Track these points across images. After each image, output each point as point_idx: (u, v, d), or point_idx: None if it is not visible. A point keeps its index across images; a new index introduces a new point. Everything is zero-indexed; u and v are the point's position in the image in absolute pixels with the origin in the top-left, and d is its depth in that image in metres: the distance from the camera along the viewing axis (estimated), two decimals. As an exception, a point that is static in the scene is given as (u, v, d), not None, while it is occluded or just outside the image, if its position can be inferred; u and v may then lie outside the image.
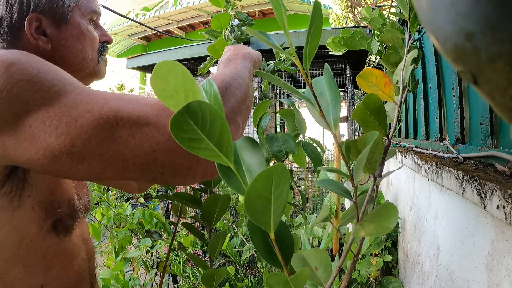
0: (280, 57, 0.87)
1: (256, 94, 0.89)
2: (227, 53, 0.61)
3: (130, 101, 0.38)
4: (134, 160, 0.36)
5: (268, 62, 0.86)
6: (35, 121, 0.36)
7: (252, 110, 0.71)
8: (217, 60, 0.76)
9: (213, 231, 0.63)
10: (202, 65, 0.84)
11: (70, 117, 0.36)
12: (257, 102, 0.89)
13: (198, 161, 0.38)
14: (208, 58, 0.84)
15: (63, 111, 0.36)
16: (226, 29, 0.82)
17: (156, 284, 2.10)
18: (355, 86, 2.62)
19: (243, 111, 0.46)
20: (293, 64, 0.88)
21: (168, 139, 0.36)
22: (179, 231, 2.21)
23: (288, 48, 0.33)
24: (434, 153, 1.04)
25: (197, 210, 0.65)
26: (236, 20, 0.87)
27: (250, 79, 0.53)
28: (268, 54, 0.92)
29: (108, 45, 0.65)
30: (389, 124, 0.56)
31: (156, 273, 1.81)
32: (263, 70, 0.85)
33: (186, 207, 0.73)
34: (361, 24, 3.52)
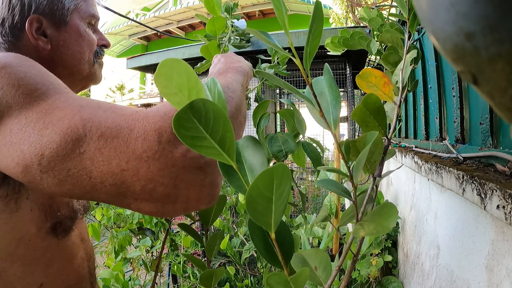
0: (275, 59, 0.87)
1: (252, 95, 0.88)
2: (217, 65, 0.58)
3: (106, 111, 0.35)
4: (102, 180, 0.32)
5: (263, 62, 0.86)
6: (14, 127, 0.35)
7: (252, 110, 0.71)
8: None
9: (209, 231, 0.62)
10: (199, 64, 0.84)
11: (43, 123, 0.33)
12: (251, 103, 0.89)
13: (176, 188, 0.33)
14: (200, 64, 0.84)
15: (39, 117, 0.34)
16: (224, 37, 0.81)
17: (156, 284, 2.09)
18: (355, 86, 2.62)
19: (234, 128, 0.41)
20: (286, 68, 0.88)
21: (139, 158, 0.32)
22: (179, 231, 2.21)
23: (288, 48, 0.33)
24: (434, 153, 1.04)
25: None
26: (243, 20, 0.87)
27: (242, 93, 0.49)
28: (266, 53, 0.91)
29: (108, 48, 0.66)
30: (389, 124, 0.56)
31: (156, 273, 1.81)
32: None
33: None
34: (361, 24, 3.52)
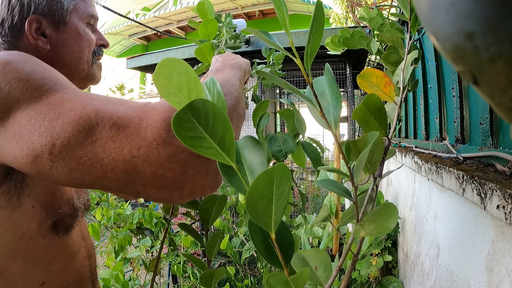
0: (270, 60, 0.88)
1: (249, 94, 0.89)
2: (215, 64, 0.60)
3: (115, 103, 0.37)
4: (113, 167, 0.34)
5: (259, 64, 0.86)
6: (22, 119, 0.36)
7: (252, 110, 0.72)
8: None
9: (210, 231, 0.63)
10: (195, 67, 0.85)
11: (54, 114, 0.35)
12: (249, 102, 0.90)
13: (183, 173, 0.35)
14: (196, 66, 0.85)
15: (48, 109, 0.35)
16: (219, 41, 0.82)
17: (156, 284, 2.09)
18: (355, 86, 2.62)
19: (234, 120, 0.43)
20: (284, 61, 0.88)
21: (149, 145, 0.34)
22: (179, 231, 2.21)
23: (289, 48, 0.33)
24: (434, 153, 1.04)
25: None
26: (242, 20, 0.88)
27: (240, 87, 0.51)
28: (262, 57, 0.92)
29: (107, 48, 0.67)
30: (389, 124, 0.56)
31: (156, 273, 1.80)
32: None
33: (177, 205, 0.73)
34: (361, 24, 3.52)
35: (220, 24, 0.82)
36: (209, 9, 0.74)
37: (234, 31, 0.85)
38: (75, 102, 0.36)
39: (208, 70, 0.67)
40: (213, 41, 0.80)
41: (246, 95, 0.88)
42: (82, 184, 0.36)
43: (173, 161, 0.34)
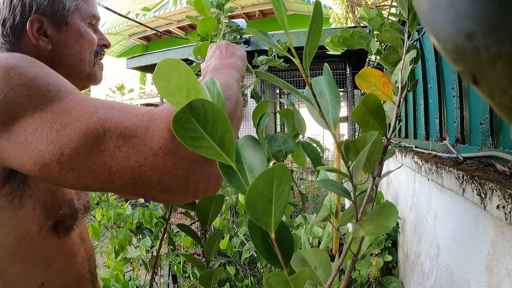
0: (272, 52, 0.87)
1: (248, 92, 0.89)
2: (211, 60, 0.60)
3: (120, 111, 0.37)
4: (121, 174, 0.35)
5: (260, 59, 0.86)
6: (28, 127, 0.36)
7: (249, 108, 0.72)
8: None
9: (210, 231, 0.63)
10: (194, 64, 0.85)
11: (60, 124, 0.35)
12: (248, 99, 0.90)
13: (188, 179, 0.37)
14: (195, 62, 0.85)
15: (55, 117, 0.36)
16: (218, 34, 0.82)
17: (156, 284, 2.10)
18: (355, 86, 2.62)
19: (234, 123, 0.44)
20: (284, 60, 0.88)
21: (155, 154, 0.35)
22: (179, 231, 2.20)
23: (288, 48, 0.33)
24: (434, 153, 1.04)
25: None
26: (242, 20, 0.88)
27: (239, 89, 0.51)
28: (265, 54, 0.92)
29: (108, 48, 0.67)
30: (389, 124, 0.56)
31: (156, 272, 1.80)
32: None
33: None
34: (361, 24, 3.52)
35: (219, 11, 0.82)
36: (207, 4, 0.75)
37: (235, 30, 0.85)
38: (81, 111, 0.36)
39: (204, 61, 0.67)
40: (213, 41, 0.80)
41: (246, 92, 0.89)
42: (91, 189, 0.38)
43: (178, 168, 0.36)
